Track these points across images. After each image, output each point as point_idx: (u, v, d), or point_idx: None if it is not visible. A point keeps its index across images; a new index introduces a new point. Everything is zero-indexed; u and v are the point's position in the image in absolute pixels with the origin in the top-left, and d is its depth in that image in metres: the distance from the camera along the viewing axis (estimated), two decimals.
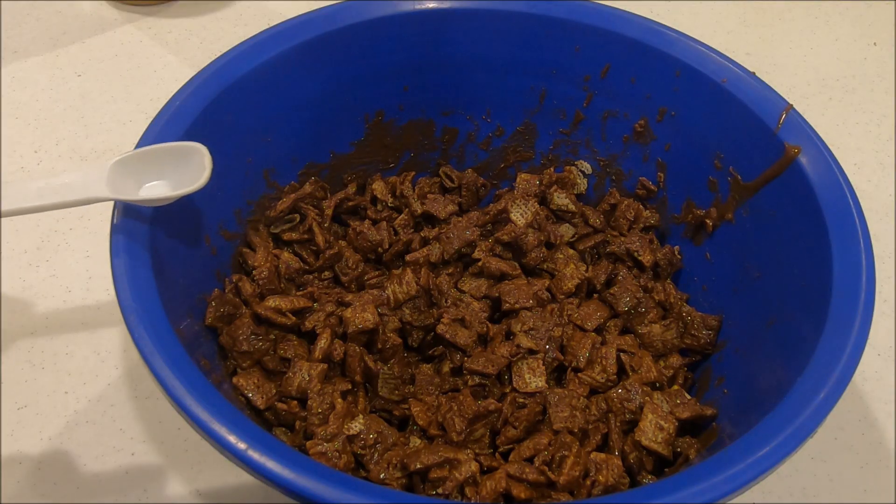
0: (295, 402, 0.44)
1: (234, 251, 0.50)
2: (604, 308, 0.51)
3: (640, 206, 0.56)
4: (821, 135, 0.46)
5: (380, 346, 0.47)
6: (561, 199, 0.55)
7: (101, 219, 0.60)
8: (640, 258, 0.53)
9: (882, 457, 0.51)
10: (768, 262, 0.47)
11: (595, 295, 0.53)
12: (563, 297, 0.51)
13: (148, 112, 0.44)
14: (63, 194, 0.40)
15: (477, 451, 0.43)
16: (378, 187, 0.57)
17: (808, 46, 0.79)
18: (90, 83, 0.70)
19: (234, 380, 0.43)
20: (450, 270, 0.52)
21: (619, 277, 0.53)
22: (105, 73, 0.71)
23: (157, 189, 0.43)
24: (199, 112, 0.45)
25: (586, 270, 0.53)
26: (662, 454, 0.43)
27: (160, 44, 0.74)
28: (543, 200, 0.56)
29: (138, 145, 0.43)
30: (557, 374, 0.48)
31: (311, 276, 0.52)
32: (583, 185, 0.58)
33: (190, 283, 0.44)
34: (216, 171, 0.41)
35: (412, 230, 0.55)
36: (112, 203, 0.41)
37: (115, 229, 0.40)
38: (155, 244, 0.41)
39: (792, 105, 0.47)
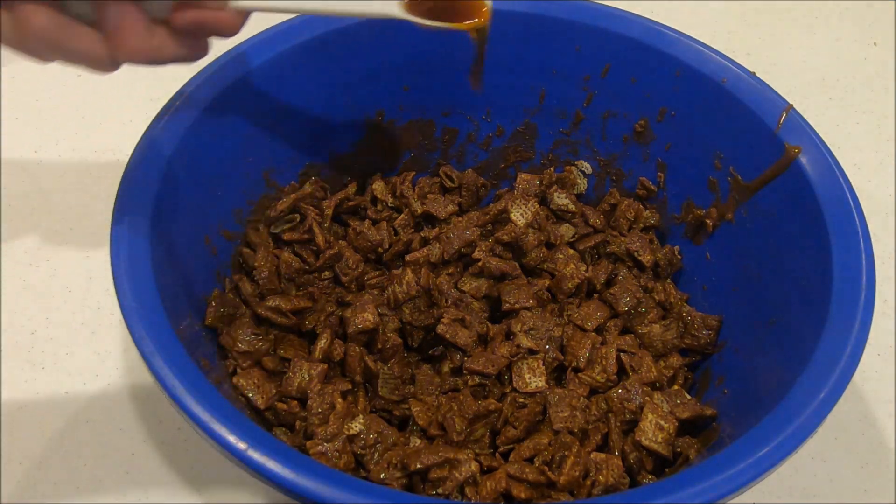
0: (295, 402, 0.44)
1: (234, 251, 0.50)
2: (604, 308, 0.51)
3: (640, 206, 0.56)
4: (821, 135, 0.46)
5: (380, 346, 0.47)
6: (561, 199, 0.55)
7: (101, 219, 0.60)
8: (640, 258, 0.53)
9: (882, 457, 0.51)
10: (768, 261, 0.47)
11: (595, 295, 0.53)
12: (563, 297, 0.51)
13: (148, 112, 0.44)
14: (360, 6, 0.40)
15: (477, 451, 0.43)
16: (378, 187, 0.57)
17: (808, 46, 0.78)
18: (90, 83, 0.70)
19: (234, 380, 0.43)
20: (450, 270, 0.52)
21: (619, 277, 0.53)
22: None
23: None
24: (200, 112, 0.45)
25: (586, 270, 0.53)
26: (662, 454, 0.43)
27: None
28: (543, 200, 0.56)
29: (139, 144, 0.43)
30: (557, 374, 0.48)
31: (311, 276, 0.52)
32: (583, 185, 0.58)
33: (190, 283, 0.44)
34: (216, 171, 0.41)
35: (412, 230, 0.55)
36: (111, 202, 0.41)
37: (115, 229, 0.40)
38: (155, 244, 0.41)
39: (792, 105, 0.47)
